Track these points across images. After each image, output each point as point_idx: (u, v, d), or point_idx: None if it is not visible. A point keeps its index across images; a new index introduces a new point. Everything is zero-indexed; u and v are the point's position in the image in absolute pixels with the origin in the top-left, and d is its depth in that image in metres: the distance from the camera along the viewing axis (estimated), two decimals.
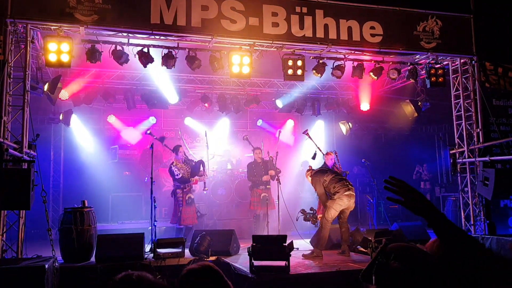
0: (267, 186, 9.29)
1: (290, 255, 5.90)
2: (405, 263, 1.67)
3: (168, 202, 11.89)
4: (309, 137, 9.47)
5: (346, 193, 7.27)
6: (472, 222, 8.66)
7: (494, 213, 8.77)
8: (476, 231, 8.54)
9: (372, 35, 8.37)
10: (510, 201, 9.15)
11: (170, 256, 6.82)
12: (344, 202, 7.30)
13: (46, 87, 8.52)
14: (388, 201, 1.84)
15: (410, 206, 1.80)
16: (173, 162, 8.55)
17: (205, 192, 9.04)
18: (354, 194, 7.47)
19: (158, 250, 6.84)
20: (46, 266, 5.15)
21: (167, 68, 8.03)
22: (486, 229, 8.47)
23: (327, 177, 7.47)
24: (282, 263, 5.90)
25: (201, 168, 8.91)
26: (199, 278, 1.99)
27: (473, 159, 8.71)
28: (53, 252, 6.28)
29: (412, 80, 9.55)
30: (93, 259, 6.74)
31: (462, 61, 9.11)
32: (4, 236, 6.47)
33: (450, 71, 9.30)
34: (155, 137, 8.95)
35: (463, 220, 8.92)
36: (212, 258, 6.86)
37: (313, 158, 9.34)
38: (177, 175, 8.47)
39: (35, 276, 5.04)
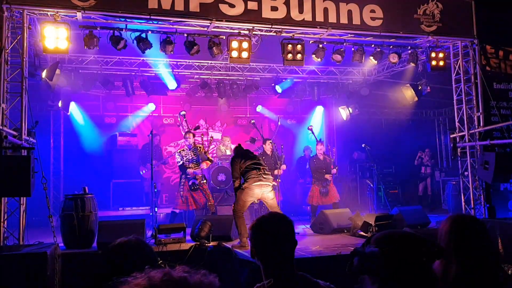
0: (278, 180, 9.33)
1: None
2: (383, 248, 1.65)
3: (169, 189, 11.96)
4: (312, 132, 10.00)
5: (256, 183, 6.74)
6: (472, 206, 8.68)
7: (494, 196, 8.79)
8: (476, 215, 8.57)
9: (372, 19, 8.27)
10: (510, 184, 9.16)
11: (171, 241, 6.86)
12: (254, 193, 6.81)
13: (44, 73, 8.45)
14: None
15: None
16: (178, 150, 8.80)
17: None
18: (268, 184, 6.90)
19: (159, 236, 6.87)
20: (48, 252, 5.17)
21: (165, 53, 7.95)
22: (486, 212, 8.52)
23: (244, 163, 6.97)
24: None
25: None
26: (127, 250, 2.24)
27: (474, 143, 8.71)
28: (55, 238, 6.30)
29: (412, 64, 9.48)
30: (94, 245, 6.77)
31: (462, 44, 9.03)
32: (6, 223, 6.49)
33: (451, 55, 9.22)
34: (185, 119, 8.93)
35: (463, 204, 8.96)
36: (213, 243, 6.89)
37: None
38: (178, 162, 8.68)
39: (37, 262, 5.05)
